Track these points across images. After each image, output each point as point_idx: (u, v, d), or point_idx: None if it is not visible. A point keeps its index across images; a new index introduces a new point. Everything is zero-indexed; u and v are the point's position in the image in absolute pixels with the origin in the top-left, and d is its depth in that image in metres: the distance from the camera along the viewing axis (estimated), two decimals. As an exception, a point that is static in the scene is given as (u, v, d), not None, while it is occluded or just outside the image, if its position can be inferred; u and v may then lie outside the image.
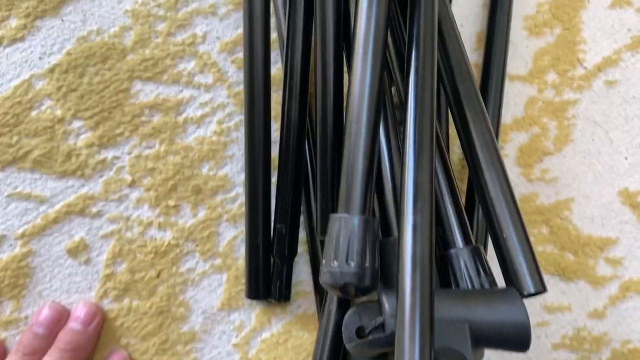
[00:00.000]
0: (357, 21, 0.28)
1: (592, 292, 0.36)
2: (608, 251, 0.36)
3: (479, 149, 0.29)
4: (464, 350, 0.25)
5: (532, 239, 0.35)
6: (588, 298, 0.36)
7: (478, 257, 0.29)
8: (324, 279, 0.26)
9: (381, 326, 0.27)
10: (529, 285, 0.27)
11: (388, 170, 0.30)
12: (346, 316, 0.29)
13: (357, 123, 0.28)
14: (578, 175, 0.37)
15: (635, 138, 0.38)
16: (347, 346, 0.28)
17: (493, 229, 0.29)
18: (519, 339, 0.26)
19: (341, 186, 0.28)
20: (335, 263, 0.26)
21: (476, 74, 0.38)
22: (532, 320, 0.35)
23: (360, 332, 0.28)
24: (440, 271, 0.30)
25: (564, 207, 0.37)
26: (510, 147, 0.37)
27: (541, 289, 0.27)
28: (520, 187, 0.37)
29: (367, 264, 0.26)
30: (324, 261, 0.27)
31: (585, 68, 0.39)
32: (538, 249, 0.36)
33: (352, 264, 0.26)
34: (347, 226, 0.27)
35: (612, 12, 0.39)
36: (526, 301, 0.35)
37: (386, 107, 0.31)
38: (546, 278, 0.36)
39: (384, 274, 0.28)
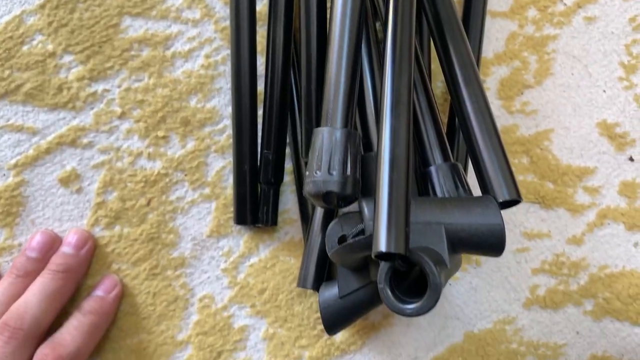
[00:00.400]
0: None
1: (570, 220, 0.37)
2: (586, 180, 0.38)
3: (457, 66, 0.30)
4: (440, 250, 0.26)
5: (512, 168, 0.36)
6: (567, 225, 0.37)
7: (456, 173, 0.30)
8: (307, 189, 0.27)
9: (362, 232, 0.28)
10: (504, 192, 0.28)
11: (370, 88, 0.31)
12: (329, 226, 0.30)
13: (340, 40, 0.29)
14: (557, 107, 0.38)
15: (614, 72, 0.39)
16: (330, 254, 0.29)
17: (471, 143, 0.30)
18: (494, 242, 0.27)
19: (324, 102, 0.28)
20: (318, 173, 0.27)
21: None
22: (512, 247, 0.37)
23: (342, 241, 0.29)
24: (420, 188, 0.31)
25: (543, 137, 0.38)
26: (491, 81, 0.38)
27: (516, 196, 0.28)
28: (501, 118, 0.38)
29: (349, 173, 0.27)
30: (307, 173, 0.28)
31: (565, 4, 0.39)
32: (519, 178, 0.37)
33: (335, 173, 0.27)
34: (329, 138, 0.28)
35: (591, -49, 0.40)
36: (507, 228, 0.37)
37: (368, 27, 0.32)
38: (526, 206, 0.37)
39: (365, 186, 0.29)
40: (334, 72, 0.29)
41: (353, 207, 0.30)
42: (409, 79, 0.27)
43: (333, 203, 0.28)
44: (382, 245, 0.24)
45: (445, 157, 0.31)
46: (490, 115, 0.29)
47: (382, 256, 0.25)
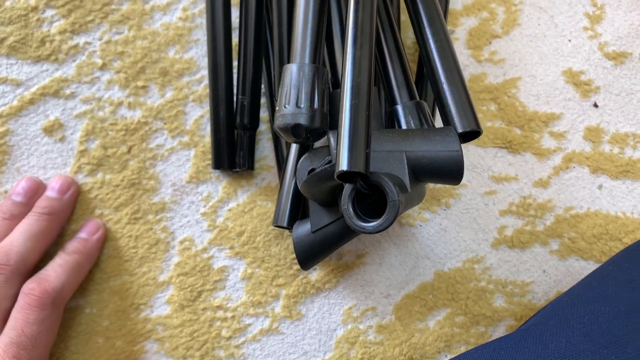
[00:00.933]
0: None
1: (537, 163, 0.39)
2: (552, 125, 0.39)
3: (422, 9, 0.31)
4: (402, 175, 0.28)
5: (480, 115, 0.38)
6: (533, 169, 0.39)
7: (421, 110, 0.32)
8: (276, 123, 0.29)
9: (329, 164, 0.30)
10: (464, 124, 0.29)
11: (337, 26, 0.32)
12: (300, 161, 0.31)
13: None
14: (524, 56, 0.40)
15: (579, 22, 0.40)
16: (300, 187, 0.30)
17: (435, 81, 0.31)
18: (453, 168, 0.28)
19: (292, 39, 0.30)
20: (287, 107, 0.28)
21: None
22: (481, 190, 0.38)
23: (311, 173, 0.30)
24: (387, 125, 0.33)
25: (511, 85, 0.39)
26: (460, 31, 0.40)
27: (475, 127, 0.29)
28: (469, 67, 0.39)
29: (316, 107, 0.28)
30: (277, 108, 0.29)
31: (532, -42, 0.41)
32: (487, 124, 0.39)
33: (303, 106, 0.28)
34: (298, 73, 0.29)
35: None
36: (475, 172, 0.38)
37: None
38: (494, 151, 0.39)
39: (333, 121, 0.30)
40: (302, 10, 0.30)
41: (323, 142, 0.31)
42: (372, 11, 0.29)
43: (302, 136, 0.29)
44: (343, 165, 0.25)
45: (411, 97, 0.32)
46: (452, 56, 0.31)
47: (344, 177, 0.26)
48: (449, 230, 0.38)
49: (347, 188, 0.27)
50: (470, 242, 0.38)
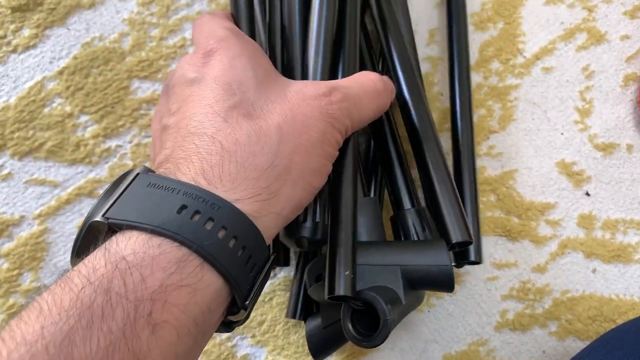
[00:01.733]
0: None
1: (534, 250, 0.42)
2: (548, 214, 0.42)
3: (418, 123, 0.35)
4: (396, 288, 0.30)
5: (481, 205, 0.41)
6: (531, 255, 0.42)
7: (424, 216, 0.35)
8: (281, 233, 0.32)
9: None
10: (456, 235, 0.32)
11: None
12: (307, 267, 0.34)
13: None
14: (520, 149, 0.43)
15: (570, 116, 0.44)
16: (309, 292, 0.33)
17: (430, 193, 0.34)
18: (444, 280, 0.31)
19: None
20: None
21: (432, 66, 0.44)
22: (483, 276, 0.41)
23: (318, 279, 0.33)
24: (395, 229, 0.36)
25: (508, 177, 0.42)
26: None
27: (467, 238, 0.32)
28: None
29: (318, 220, 0.31)
30: None
31: (525, 57, 0.44)
32: (487, 214, 0.42)
33: (306, 220, 0.31)
34: None
35: (547, 8, 0.45)
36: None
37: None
38: (494, 239, 0.42)
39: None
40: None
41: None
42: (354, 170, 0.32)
43: (305, 246, 0.32)
44: (329, 290, 0.28)
45: (413, 202, 0.35)
46: (446, 170, 0.33)
47: (335, 298, 0.29)
48: (455, 315, 0.41)
49: (345, 307, 0.30)
50: (474, 326, 0.41)
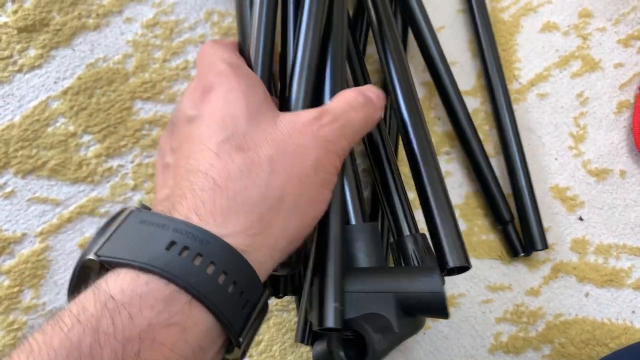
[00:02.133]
0: None
1: (528, 274, 0.42)
2: (542, 238, 0.43)
3: (417, 148, 0.35)
4: (389, 315, 0.30)
5: (476, 229, 0.41)
6: (525, 278, 0.42)
7: (424, 242, 0.35)
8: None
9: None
10: (454, 259, 0.33)
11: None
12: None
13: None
14: (515, 174, 0.44)
15: (564, 142, 0.44)
16: (309, 317, 0.34)
17: (429, 219, 0.34)
18: (436, 306, 0.31)
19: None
20: None
21: (429, 91, 0.45)
22: (478, 299, 0.42)
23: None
24: (395, 255, 0.36)
25: (503, 201, 0.43)
26: (457, 151, 0.44)
27: (464, 262, 0.33)
28: (466, 185, 0.43)
29: None
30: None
31: (520, 83, 0.45)
32: (482, 237, 0.42)
33: None
34: None
35: (542, 36, 0.46)
36: (473, 282, 0.41)
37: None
38: (490, 262, 0.42)
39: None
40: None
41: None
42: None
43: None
44: (320, 321, 0.28)
45: (410, 229, 0.36)
46: (444, 194, 0.34)
47: (324, 329, 0.29)
48: (450, 337, 0.41)
49: (334, 337, 0.30)
50: (469, 348, 0.41)
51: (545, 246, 0.41)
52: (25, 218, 0.41)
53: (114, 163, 0.42)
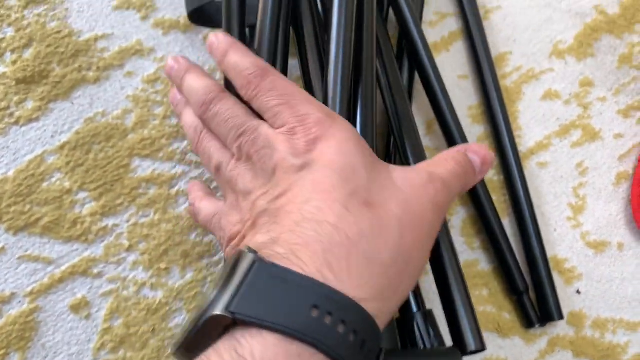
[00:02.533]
0: None
1: (525, 347, 0.42)
2: (539, 311, 0.42)
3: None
4: None
5: (473, 299, 0.41)
6: (522, 352, 0.42)
7: (430, 320, 0.35)
8: None
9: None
10: (471, 343, 0.33)
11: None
12: None
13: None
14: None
15: (563, 212, 0.44)
16: None
17: (443, 296, 0.34)
18: None
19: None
20: None
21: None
22: (474, 371, 0.41)
23: None
24: (401, 332, 0.36)
25: (501, 270, 0.43)
26: (455, 219, 0.44)
27: (481, 347, 0.33)
28: (464, 254, 0.43)
29: None
30: None
31: (521, 151, 0.45)
32: (479, 309, 0.42)
33: None
34: None
35: (543, 104, 0.46)
36: (470, 357, 0.41)
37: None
38: (486, 335, 0.42)
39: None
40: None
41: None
42: None
43: None
44: None
45: (418, 306, 0.36)
46: (459, 272, 0.34)
47: None
48: (444, 411, 0.41)
49: None
50: (463, 423, 0.41)
51: (561, 317, 0.40)
52: (15, 277, 0.40)
53: (109, 222, 0.41)
